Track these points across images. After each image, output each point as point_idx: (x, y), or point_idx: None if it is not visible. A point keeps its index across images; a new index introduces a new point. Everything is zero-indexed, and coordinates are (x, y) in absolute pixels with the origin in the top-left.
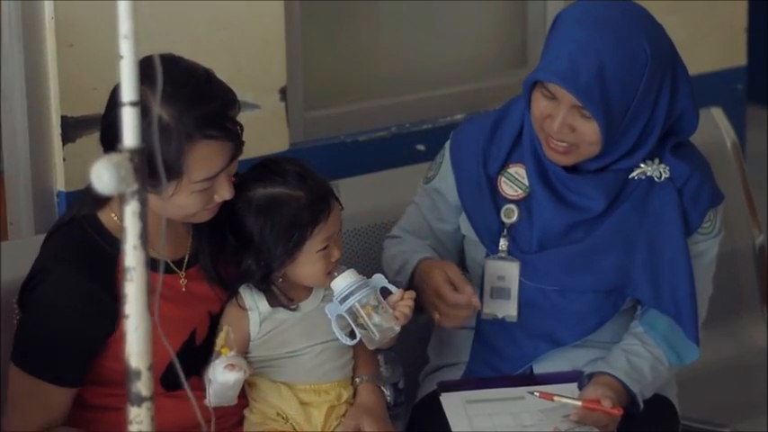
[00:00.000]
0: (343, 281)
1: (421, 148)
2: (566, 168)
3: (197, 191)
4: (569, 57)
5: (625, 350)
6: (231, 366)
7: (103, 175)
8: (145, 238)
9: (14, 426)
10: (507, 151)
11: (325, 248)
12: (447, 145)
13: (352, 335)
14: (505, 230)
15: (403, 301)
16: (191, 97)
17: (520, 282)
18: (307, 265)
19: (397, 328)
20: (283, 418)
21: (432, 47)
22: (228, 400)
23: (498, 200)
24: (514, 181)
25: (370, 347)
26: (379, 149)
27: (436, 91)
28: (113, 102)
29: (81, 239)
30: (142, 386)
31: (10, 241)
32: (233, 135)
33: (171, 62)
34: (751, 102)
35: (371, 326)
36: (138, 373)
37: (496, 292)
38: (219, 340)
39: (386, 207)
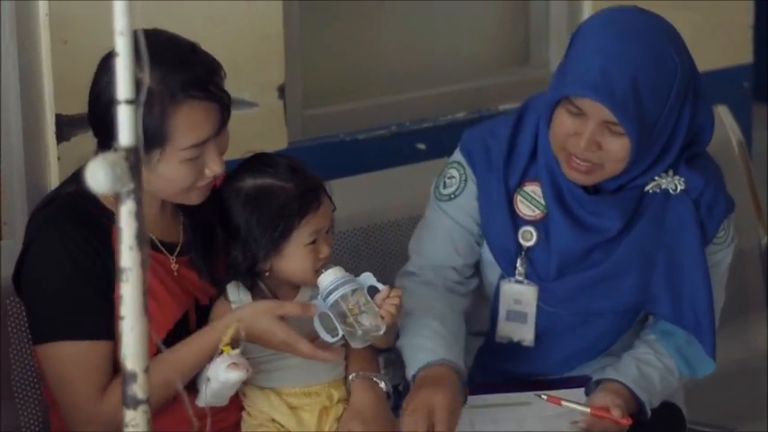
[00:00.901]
0: (329, 277)
1: (421, 146)
2: (583, 188)
3: (185, 159)
4: (601, 68)
5: (636, 358)
6: (234, 365)
7: (99, 175)
8: (141, 238)
9: (69, 405)
10: (523, 169)
11: (313, 243)
12: (460, 157)
13: (336, 334)
14: (523, 253)
15: (389, 299)
16: (174, 62)
17: (537, 306)
18: (294, 259)
19: (383, 327)
20: (280, 423)
21: (433, 44)
22: (222, 400)
23: (516, 220)
24: (531, 200)
25: (354, 346)
26: (378, 148)
27: (437, 89)
28: (103, 70)
29: (68, 207)
30: (138, 389)
31: (4, 241)
32: (217, 98)
33: (154, 33)
34: (756, 100)
35: (355, 323)
36: (134, 376)
37: (512, 316)
38: (225, 338)
39: (386, 207)
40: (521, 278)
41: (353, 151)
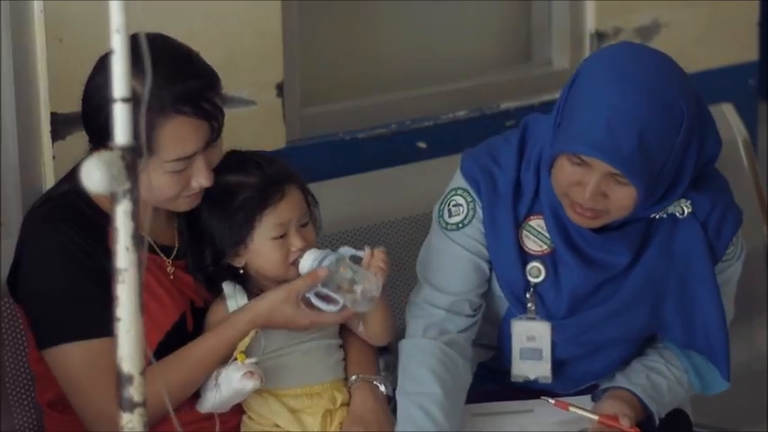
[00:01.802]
0: (308, 258)
1: (422, 145)
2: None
3: (170, 171)
4: (607, 126)
5: (646, 366)
6: (250, 374)
7: (94, 174)
8: (138, 238)
9: (86, 409)
10: (529, 204)
11: (282, 237)
12: (465, 184)
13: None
14: (531, 289)
15: (375, 259)
16: (168, 73)
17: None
18: (262, 253)
19: (380, 285)
20: (283, 428)
21: (434, 42)
22: (226, 408)
23: (523, 255)
24: (537, 235)
25: (359, 310)
26: (379, 147)
27: (438, 87)
28: (98, 69)
29: (63, 207)
30: (134, 391)
31: (3, 240)
32: (208, 115)
33: (152, 38)
34: (762, 98)
35: (352, 288)
36: (130, 378)
37: (527, 354)
38: (242, 345)
39: (386, 207)
40: (532, 315)
41: (353, 150)
